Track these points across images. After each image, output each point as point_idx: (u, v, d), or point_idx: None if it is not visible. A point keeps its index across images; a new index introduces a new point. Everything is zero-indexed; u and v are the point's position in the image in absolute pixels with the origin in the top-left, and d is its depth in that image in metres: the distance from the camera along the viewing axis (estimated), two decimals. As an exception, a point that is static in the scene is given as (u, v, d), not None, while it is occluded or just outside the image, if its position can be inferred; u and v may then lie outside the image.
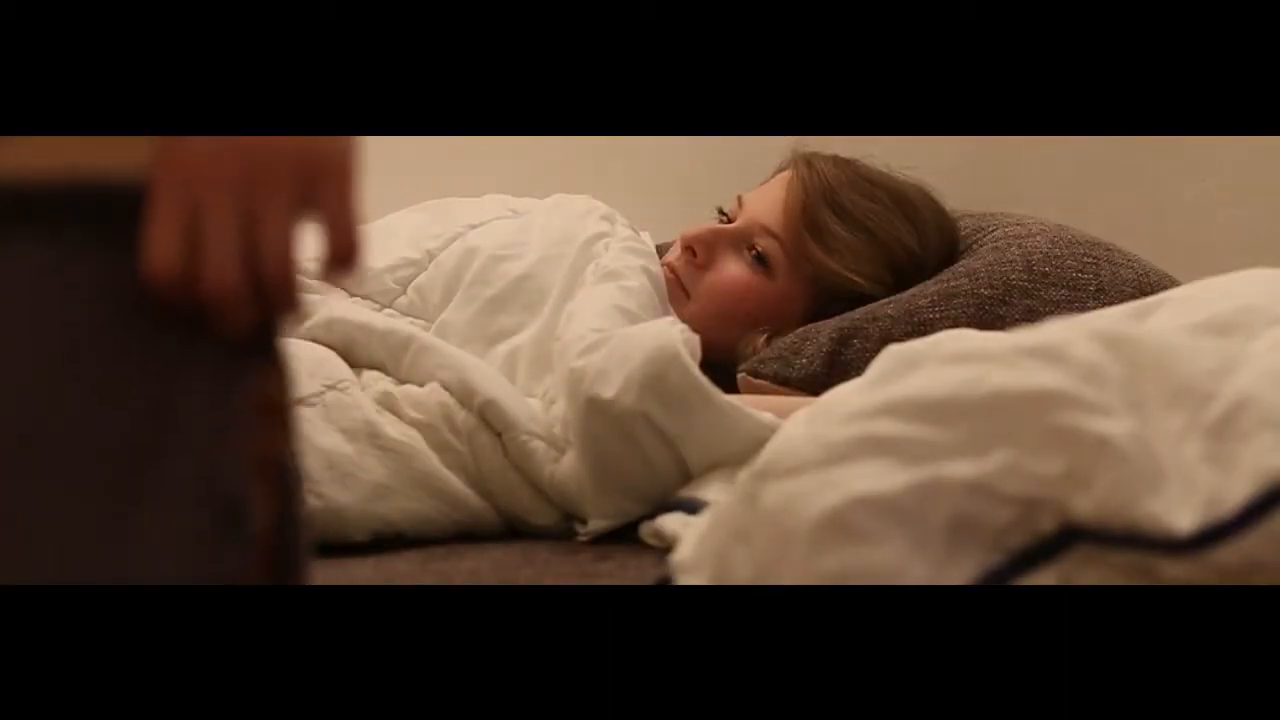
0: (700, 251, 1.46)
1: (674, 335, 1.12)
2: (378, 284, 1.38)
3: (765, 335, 1.42)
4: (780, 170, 1.54)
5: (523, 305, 1.35)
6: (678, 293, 1.44)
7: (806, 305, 1.44)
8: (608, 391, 1.10)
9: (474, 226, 1.44)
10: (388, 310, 1.37)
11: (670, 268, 1.46)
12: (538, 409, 1.21)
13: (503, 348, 1.33)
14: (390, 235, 1.44)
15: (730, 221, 1.47)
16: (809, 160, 1.48)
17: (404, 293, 1.39)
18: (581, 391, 1.11)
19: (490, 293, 1.36)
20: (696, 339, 1.15)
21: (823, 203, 1.43)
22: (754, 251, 1.45)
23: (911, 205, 1.48)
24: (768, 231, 1.45)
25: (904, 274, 1.44)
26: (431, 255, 1.41)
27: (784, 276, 1.44)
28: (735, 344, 1.43)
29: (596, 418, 1.11)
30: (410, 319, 1.35)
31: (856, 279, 1.42)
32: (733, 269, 1.45)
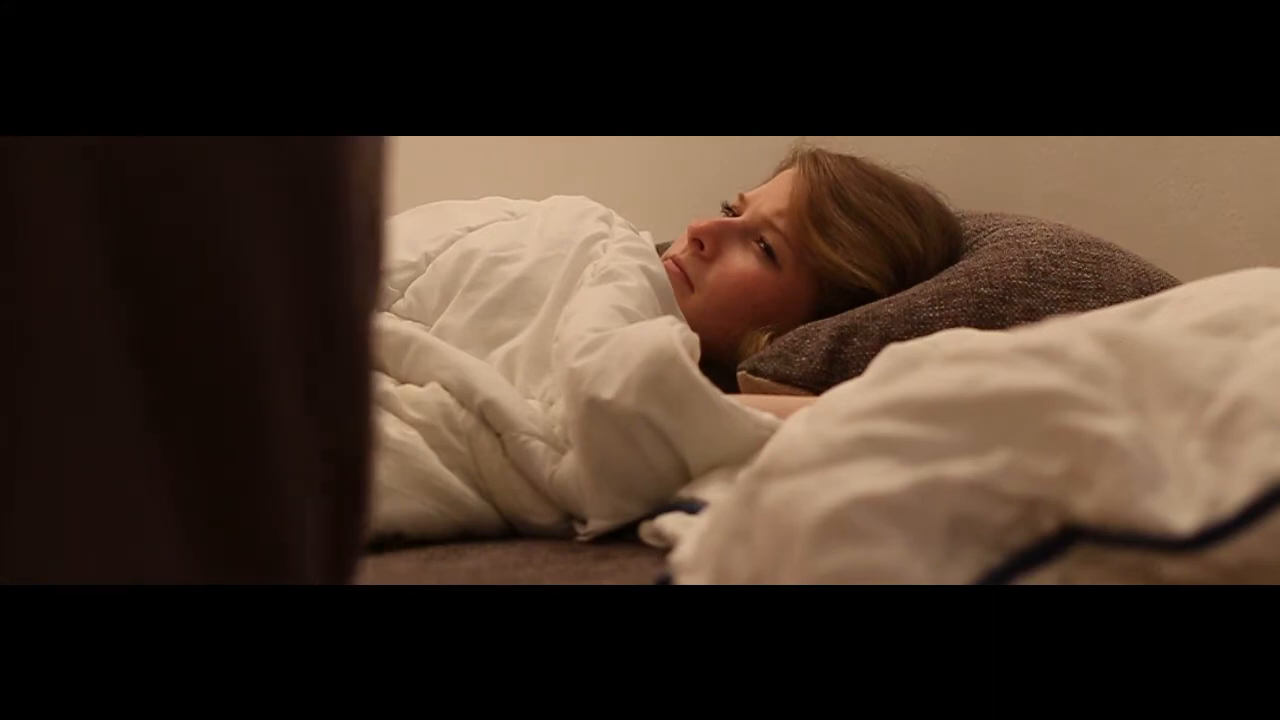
0: (708, 243, 1.46)
1: (673, 335, 1.12)
2: (376, 286, 1.38)
3: (769, 334, 1.42)
4: (783, 168, 1.55)
5: (521, 307, 1.35)
6: (682, 285, 1.44)
7: (810, 300, 1.45)
8: (607, 392, 1.10)
9: (471, 229, 1.44)
10: (385, 314, 1.37)
11: (675, 260, 1.47)
12: (537, 409, 1.21)
13: (502, 350, 1.32)
14: (388, 237, 1.44)
15: (736, 216, 1.48)
16: (815, 156, 1.49)
17: (402, 296, 1.38)
18: (581, 392, 1.11)
19: (489, 295, 1.36)
20: (696, 339, 1.15)
21: (828, 196, 1.44)
22: (762, 244, 1.45)
23: (915, 203, 1.49)
24: (774, 224, 1.45)
25: (905, 271, 1.44)
26: (429, 258, 1.40)
27: (789, 270, 1.45)
28: (738, 339, 1.43)
29: (596, 418, 1.10)
30: (409, 322, 1.35)
31: (858, 272, 1.43)
32: (740, 261, 1.46)
